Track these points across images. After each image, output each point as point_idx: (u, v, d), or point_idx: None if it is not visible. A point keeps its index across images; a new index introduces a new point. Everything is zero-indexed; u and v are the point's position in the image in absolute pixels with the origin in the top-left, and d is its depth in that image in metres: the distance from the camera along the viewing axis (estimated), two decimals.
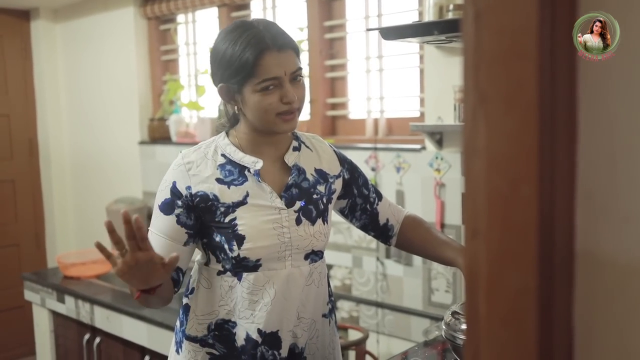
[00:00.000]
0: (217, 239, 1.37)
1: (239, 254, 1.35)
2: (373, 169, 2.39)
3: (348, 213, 1.59)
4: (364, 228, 1.62)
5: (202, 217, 1.38)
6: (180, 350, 1.47)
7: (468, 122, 0.64)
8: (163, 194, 1.39)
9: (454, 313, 1.52)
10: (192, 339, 1.43)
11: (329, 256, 1.64)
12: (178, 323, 1.50)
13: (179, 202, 1.36)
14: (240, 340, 1.39)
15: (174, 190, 1.37)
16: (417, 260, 2.29)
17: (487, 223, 0.63)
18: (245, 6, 3.05)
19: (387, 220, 1.60)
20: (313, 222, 1.41)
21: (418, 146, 2.27)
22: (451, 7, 1.91)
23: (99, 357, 2.62)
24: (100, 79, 3.67)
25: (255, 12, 2.99)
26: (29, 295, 2.97)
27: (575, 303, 0.62)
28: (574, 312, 0.62)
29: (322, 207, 1.44)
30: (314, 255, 1.43)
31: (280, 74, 1.30)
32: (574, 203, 0.61)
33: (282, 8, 2.87)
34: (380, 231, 1.61)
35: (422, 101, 2.39)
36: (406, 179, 2.30)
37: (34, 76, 3.96)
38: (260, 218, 1.36)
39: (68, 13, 3.80)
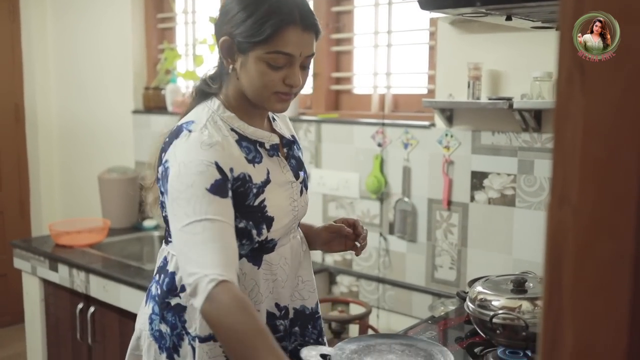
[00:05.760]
0: (242, 225, 1.24)
1: (266, 237, 1.28)
2: (379, 145, 2.36)
3: None
4: None
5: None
6: None
7: (561, 85, 0.62)
8: (207, 175, 1.16)
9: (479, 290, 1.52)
10: (204, 340, 1.26)
11: None
12: (168, 329, 1.30)
13: (228, 185, 1.20)
14: None
15: (220, 170, 1.19)
16: (422, 236, 2.28)
17: (578, 191, 0.62)
18: None
19: None
20: (307, 190, 1.42)
21: (427, 123, 2.25)
22: None
23: (93, 326, 2.58)
24: (92, 45, 3.57)
25: None
26: (18, 263, 2.90)
27: None
28: None
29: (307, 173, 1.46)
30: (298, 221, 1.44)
31: (295, 53, 1.20)
32: None
33: None
34: None
35: (430, 78, 2.36)
36: (413, 156, 2.28)
37: (21, 40, 3.83)
38: (282, 195, 1.32)
39: None
